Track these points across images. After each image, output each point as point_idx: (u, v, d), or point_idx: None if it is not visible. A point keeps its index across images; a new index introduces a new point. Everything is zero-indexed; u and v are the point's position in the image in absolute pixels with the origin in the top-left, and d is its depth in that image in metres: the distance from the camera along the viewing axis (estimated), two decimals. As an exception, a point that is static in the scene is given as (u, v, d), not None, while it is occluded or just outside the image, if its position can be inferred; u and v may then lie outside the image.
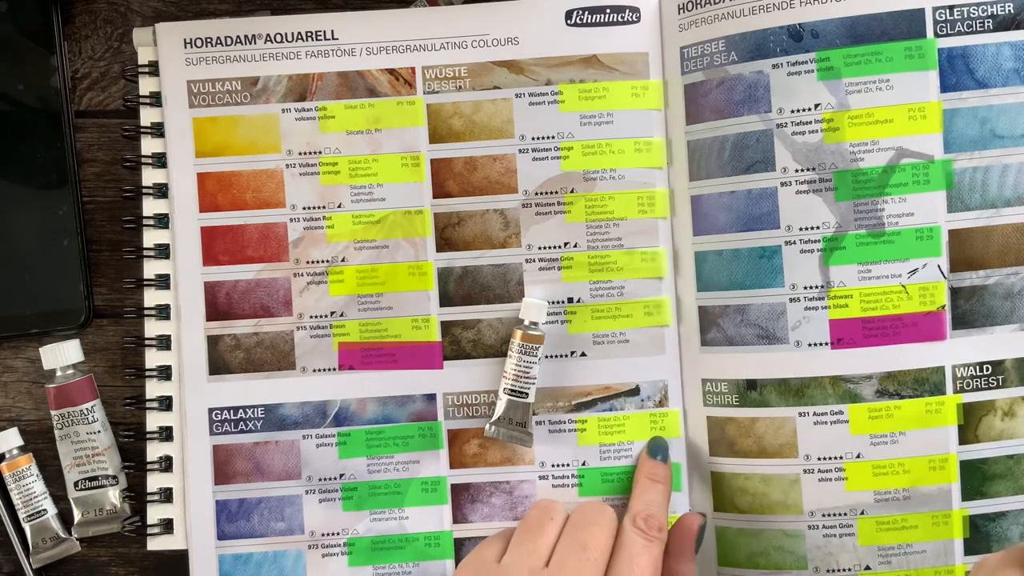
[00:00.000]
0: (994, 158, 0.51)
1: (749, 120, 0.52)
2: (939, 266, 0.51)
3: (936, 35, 0.51)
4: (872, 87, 0.51)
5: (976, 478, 0.51)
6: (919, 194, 0.51)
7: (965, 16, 0.51)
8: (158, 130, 0.55)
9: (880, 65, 0.51)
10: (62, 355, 0.55)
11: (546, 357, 0.54)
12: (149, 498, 0.55)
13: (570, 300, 0.54)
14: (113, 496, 0.55)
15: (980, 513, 0.51)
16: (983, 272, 0.51)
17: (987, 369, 0.51)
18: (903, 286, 0.51)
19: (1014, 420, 0.51)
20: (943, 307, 0.51)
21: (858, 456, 0.51)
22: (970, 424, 0.51)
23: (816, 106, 0.51)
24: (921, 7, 0.51)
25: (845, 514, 0.52)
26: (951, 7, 0.51)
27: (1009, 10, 0.50)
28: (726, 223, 0.53)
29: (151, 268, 0.55)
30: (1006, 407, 0.51)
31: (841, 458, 0.52)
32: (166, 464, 0.55)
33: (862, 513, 0.51)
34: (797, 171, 0.52)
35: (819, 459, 0.52)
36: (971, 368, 0.51)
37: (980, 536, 0.51)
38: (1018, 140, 0.51)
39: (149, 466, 0.55)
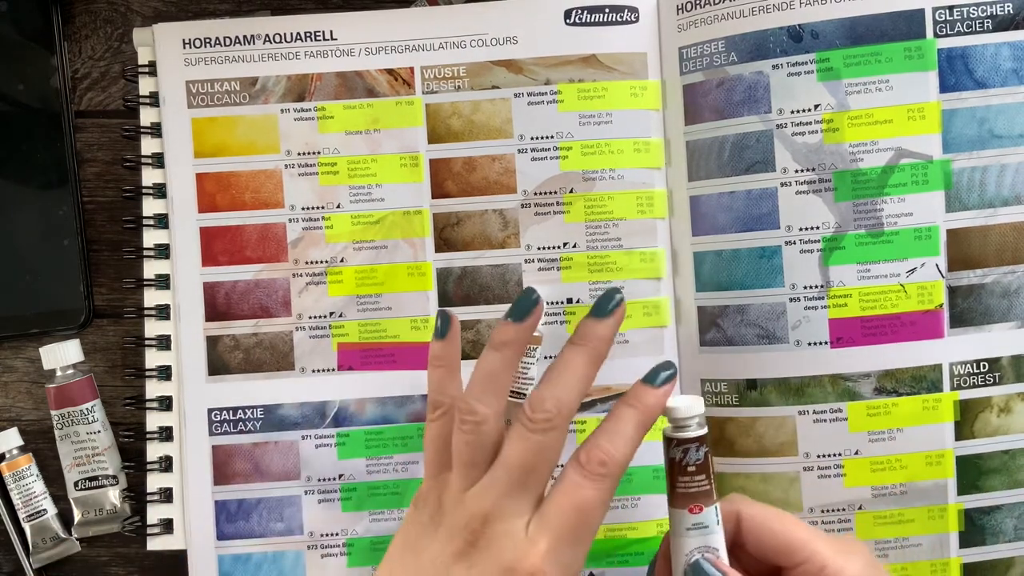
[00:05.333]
0: (992, 158, 0.51)
1: (749, 121, 0.52)
2: (937, 265, 0.51)
3: (936, 35, 0.51)
4: (872, 88, 0.51)
5: (972, 473, 0.51)
6: (918, 194, 0.51)
7: (965, 16, 0.51)
8: (158, 130, 0.55)
9: (880, 66, 0.51)
10: (62, 355, 0.55)
11: (545, 357, 0.54)
12: (149, 498, 0.55)
13: (569, 300, 0.54)
14: (113, 496, 0.55)
15: (975, 507, 0.52)
16: (980, 271, 0.51)
17: (984, 366, 0.51)
18: (902, 285, 0.51)
19: (1010, 416, 0.51)
20: (941, 306, 0.51)
21: (856, 453, 0.52)
22: (967, 420, 0.52)
23: (816, 107, 0.51)
24: (921, 7, 0.51)
25: (843, 509, 0.52)
26: (951, 7, 0.51)
27: (1008, 10, 0.51)
28: (725, 223, 0.53)
29: (151, 268, 0.55)
30: (1002, 404, 0.52)
31: (840, 455, 0.52)
32: (166, 464, 0.55)
33: (860, 508, 0.52)
34: (797, 171, 0.52)
35: (818, 456, 0.52)
36: (968, 365, 0.51)
37: (975, 529, 0.52)
38: (1016, 140, 0.51)
39: (149, 466, 0.55)
